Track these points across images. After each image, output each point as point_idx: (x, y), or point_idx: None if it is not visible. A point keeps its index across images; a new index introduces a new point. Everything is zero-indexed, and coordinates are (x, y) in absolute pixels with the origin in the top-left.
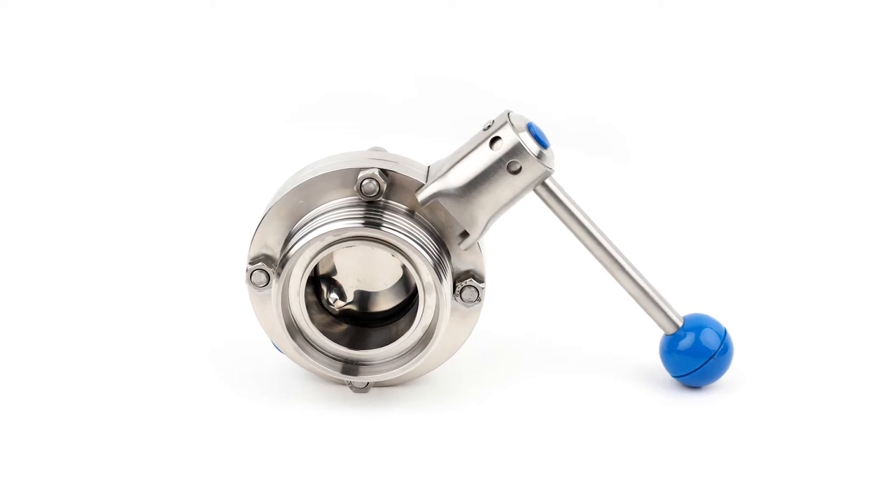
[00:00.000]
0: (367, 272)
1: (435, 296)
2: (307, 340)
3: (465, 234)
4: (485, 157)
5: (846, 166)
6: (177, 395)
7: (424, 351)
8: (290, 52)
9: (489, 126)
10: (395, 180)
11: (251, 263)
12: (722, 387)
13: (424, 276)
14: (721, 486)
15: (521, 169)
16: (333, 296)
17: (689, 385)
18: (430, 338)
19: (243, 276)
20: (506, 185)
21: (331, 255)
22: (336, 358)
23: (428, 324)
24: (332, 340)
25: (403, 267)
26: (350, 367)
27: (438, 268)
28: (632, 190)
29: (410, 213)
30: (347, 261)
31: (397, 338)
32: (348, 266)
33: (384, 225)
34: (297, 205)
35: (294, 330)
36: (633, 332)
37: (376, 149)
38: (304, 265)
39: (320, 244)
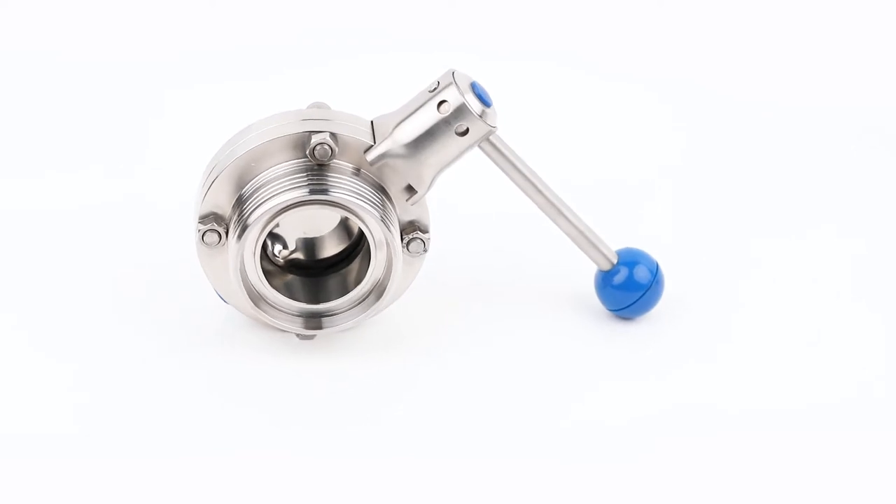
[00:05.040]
0: (310, 223)
1: (386, 251)
2: (267, 302)
3: (410, 189)
4: (432, 119)
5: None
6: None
7: (379, 303)
8: None
9: (435, 88)
10: (342, 141)
11: (202, 222)
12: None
13: (376, 233)
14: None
15: (467, 130)
16: (279, 247)
17: (624, 317)
18: (383, 291)
19: (193, 234)
20: (453, 145)
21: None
22: (297, 314)
23: (379, 277)
24: (291, 298)
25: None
26: (312, 321)
27: (388, 223)
28: None
29: (357, 172)
30: (291, 217)
31: (352, 287)
32: (292, 221)
33: (336, 189)
34: (248, 167)
35: (256, 297)
36: (572, 272)
37: (318, 104)
38: (260, 230)
39: (276, 210)
